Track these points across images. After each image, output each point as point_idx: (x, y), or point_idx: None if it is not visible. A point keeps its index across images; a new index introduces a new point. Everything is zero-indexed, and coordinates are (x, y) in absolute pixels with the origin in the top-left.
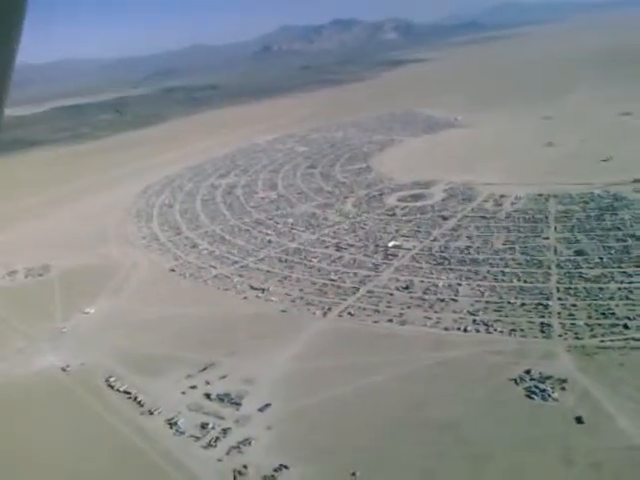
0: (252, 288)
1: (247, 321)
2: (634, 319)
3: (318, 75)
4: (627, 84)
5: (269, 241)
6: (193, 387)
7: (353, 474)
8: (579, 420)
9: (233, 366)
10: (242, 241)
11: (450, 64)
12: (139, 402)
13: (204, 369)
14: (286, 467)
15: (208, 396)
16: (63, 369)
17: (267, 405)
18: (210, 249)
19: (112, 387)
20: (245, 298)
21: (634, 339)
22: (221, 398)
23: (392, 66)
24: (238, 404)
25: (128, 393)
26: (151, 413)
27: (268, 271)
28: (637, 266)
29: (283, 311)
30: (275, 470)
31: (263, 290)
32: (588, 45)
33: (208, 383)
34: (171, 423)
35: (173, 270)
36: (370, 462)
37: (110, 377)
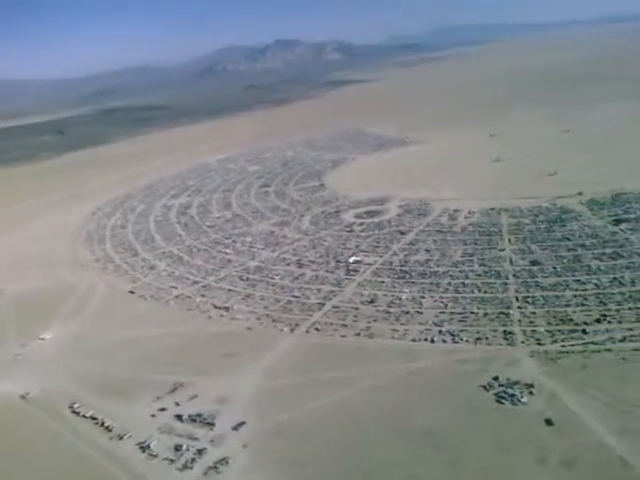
0: (215, 307)
1: (214, 340)
2: (591, 324)
3: (265, 94)
4: (564, 103)
5: (229, 260)
6: (163, 409)
7: None
8: (548, 422)
9: (203, 386)
10: (201, 261)
11: (395, 84)
12: (107, 427)
13: (173, 390)
14: None
15: (179, 417)
16: (22, 396)
17: (242, 423)
18: (169, 270)
19: (77, 413)
20: (209, 317)
21: (593, 343)
22: (193, 419)
23: (338, 85)
24: (211, 424)
25: (95, 419)
26: (121, 438)
27: (230, 290)
28: (589, 274)
29: (249, 329)
30: None
31: (227, 309)
32: (524, 65)
33: (178, 404)
34: (143, 447)
35: (132, 292)
36: (352, 472)
37: (74, 403)
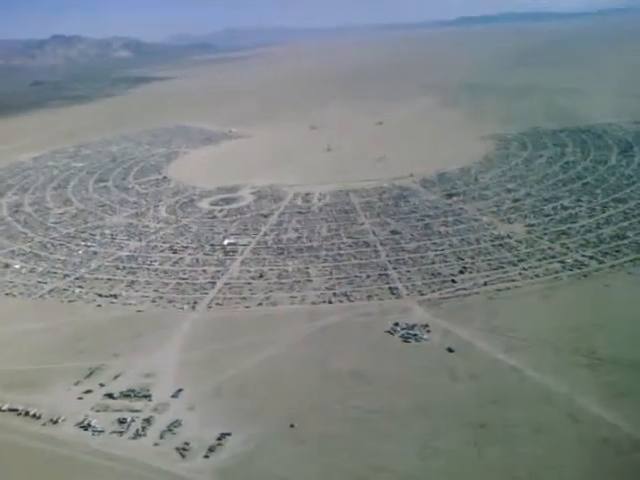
0: (101, 296)
1: (114, 325)
2: (457, 275)
3: (57, 92)
4: (370, 98)
5: (94, 252)
6: (88, 391)
7: (292, 425)
8: (450, 350)
9: (123, 365)
10: (62, 256)
11: (201, 81)
12: (34, 415)
13: (90, 374)
14: (228, 434)
15: (111, 395)
16: None
17: (179, 390)
18: (28, 267)
19: None
20: (99, 306)
21: (463, 289)
22: (126, 394)
23: (136, 83)
24: (148, 396)
25: (15, 410)
26: (55, 422)
27: (110, 279)
28: (441, 237)
29: (144, 311)
30: (218, 439)
31: (115, 296)
32: (326, 64)
33: (103, 385)
34: (84, 426)
35: None
36: (301, 413)
37: None
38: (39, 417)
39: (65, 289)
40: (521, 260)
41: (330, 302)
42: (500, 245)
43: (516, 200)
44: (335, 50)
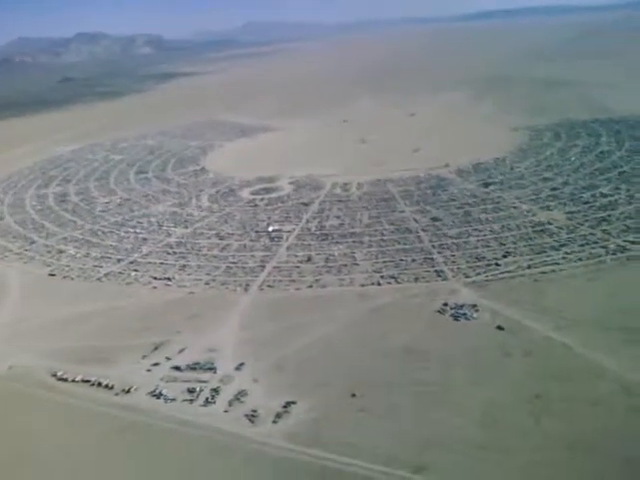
0: (156, 279)
1: (172, 305)
2: (500, 259)
3: (86, 88)
4: (400, 92)
5: (144, 239)
6: (156, 364)
7: (353, 395)
8: (500, 328)
9: (186, 341)
10: (113, 242)
11: (229, 77)
12: (106, 386)
13: (156, 349)
14: (293, 402)
15: (178, 368)
16: None
17: (242, 364)
18: (82, 252)
19: (65, 379)
20: (155, 288)
21: (507, 272)
22: (192, 367)
23: (164, 79)
24: (212, 368)
25: (88, 381)
26: (127, 392)
27: (162, 263)
28: (482, 224)
29: (199, 293)
30: (284, 407)
31: (169, 279)
32: (353, 59)
33: (169, 359)
34: (155, 395)
35: (53, 275)
36: (361, 385)
37: (56, 372)
38: (111, 387)
39: (120, 272)
40: (563, 245)
41: (379, 284)
42: (541, 231)
43: (554, 188)
44: (358, 45)
